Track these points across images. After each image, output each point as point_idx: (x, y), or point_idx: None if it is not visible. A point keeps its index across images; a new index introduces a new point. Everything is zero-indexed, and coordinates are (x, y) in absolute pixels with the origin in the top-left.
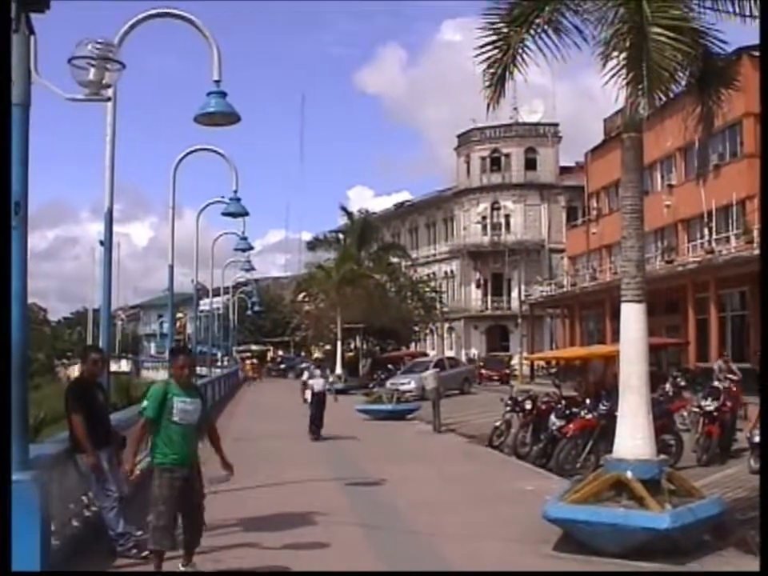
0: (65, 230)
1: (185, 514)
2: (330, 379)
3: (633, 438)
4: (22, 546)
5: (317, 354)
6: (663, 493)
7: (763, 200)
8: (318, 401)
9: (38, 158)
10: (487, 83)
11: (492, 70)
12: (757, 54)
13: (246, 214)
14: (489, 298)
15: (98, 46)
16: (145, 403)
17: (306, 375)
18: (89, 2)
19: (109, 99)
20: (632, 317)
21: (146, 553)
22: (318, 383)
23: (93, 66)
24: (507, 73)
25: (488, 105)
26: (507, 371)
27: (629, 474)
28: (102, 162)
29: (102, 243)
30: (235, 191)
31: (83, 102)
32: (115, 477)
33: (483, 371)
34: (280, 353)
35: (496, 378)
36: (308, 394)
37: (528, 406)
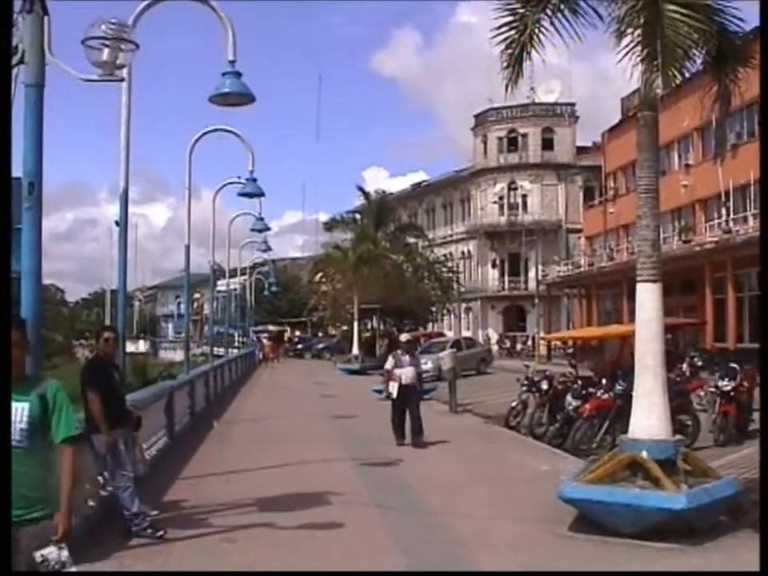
0: (84, 212)
1: None
2: (423, 366)
3: (648, 417)
4: None
5: (403, 337)
6: (679, 473)
7: (763, 186)
8: (406, 396)
9: (59, 139)
10: (505, 64)
11: (509, 51)
12: None
13: (262, 194)
14: (506, 278)
15: (112, 26)
16: None
17: (390, 362)
18: None
19: (123, 80)
20: (647, 296)
21: (161, 533)
22: (406, 373)
23: (107, 46)
24: (525, 53)
25: (506, 85)
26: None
27: (644, 454)
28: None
29: (117, 224)
30: (251, 171)
31: (101, 84)
32: (130, 457)
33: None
34: (297, 333)
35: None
36: (393, 388)
37: (544, 386)
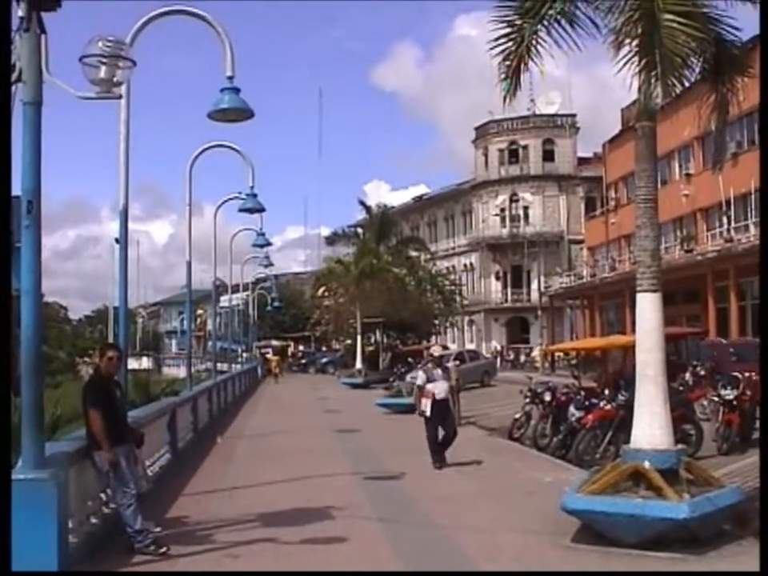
0: (86, 229)
1: None
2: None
3: (650, 427)
4: (40, 543)
5: (435, 350)
6: (681, 482)
7: (764, 194)
8: (441, 413)
9: (61, 157)
10: (503, 76)
11: (507, 63)
12: None
13: (263, 209)
14: (509, 290)
15: (109, 43)
16: None
17: (421, 377)
18: (101, 1)
19: (120, 97)
20: (647, 306)
21: (164, 549)
22: (440, 388)
23: (104, 63)
24: (522, 65)
25: (505, 97)
26: None
27: (646, 464)
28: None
29: (117, 241)
30: (252, 187)
31: (100, 101)
32: (132, 474)
33: None
34: (301, 348)
35: None
36: (426, 404)
37: (547, 397)
